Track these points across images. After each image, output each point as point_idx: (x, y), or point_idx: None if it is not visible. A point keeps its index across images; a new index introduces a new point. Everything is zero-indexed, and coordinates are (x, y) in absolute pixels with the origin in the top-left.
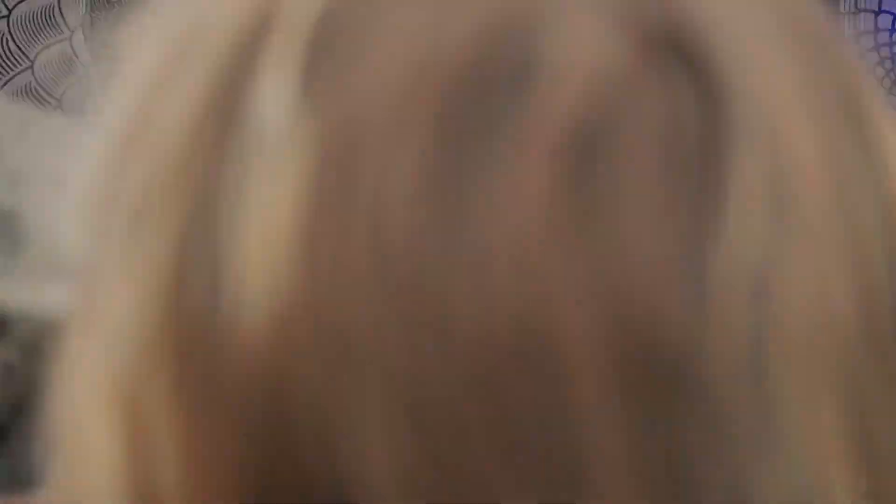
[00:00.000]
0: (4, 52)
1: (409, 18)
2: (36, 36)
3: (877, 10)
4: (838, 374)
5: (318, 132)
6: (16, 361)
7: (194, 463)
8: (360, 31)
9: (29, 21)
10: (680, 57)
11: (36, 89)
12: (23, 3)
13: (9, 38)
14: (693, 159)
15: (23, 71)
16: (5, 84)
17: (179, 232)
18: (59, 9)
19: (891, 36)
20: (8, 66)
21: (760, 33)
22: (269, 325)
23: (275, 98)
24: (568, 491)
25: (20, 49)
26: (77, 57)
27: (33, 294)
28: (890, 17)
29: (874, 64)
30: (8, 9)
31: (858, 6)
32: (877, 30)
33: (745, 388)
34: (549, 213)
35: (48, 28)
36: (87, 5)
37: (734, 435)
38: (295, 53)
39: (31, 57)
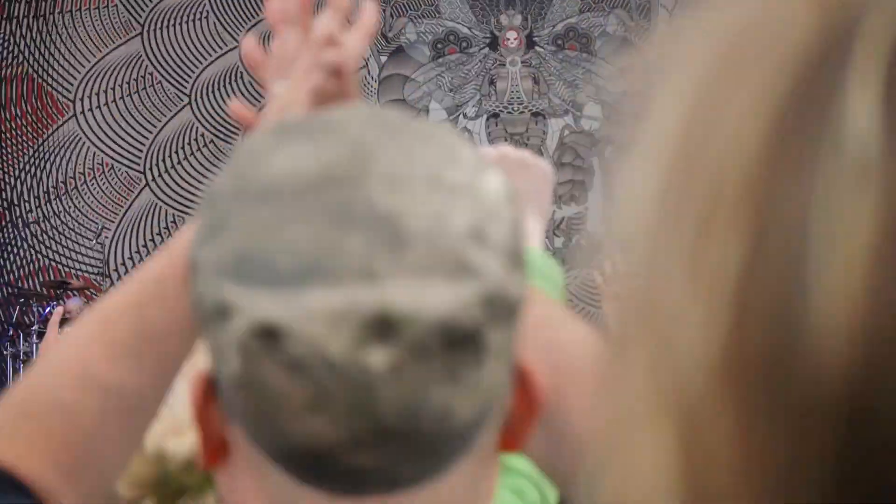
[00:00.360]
0: None
1: None
2: None
3: None
4: None
5: None
6: (404, 364)
7: (750, 469)
8: None
9: None
10: None
11: None
12: None
13: None
14: None
15: None
16: None
17: (748, 247)
18: None
19: None
20: None
21: None
22: (855, 348)
23: (865, 116)
24: None
25: None
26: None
27: (419, 295)
28: None
29: None
30: None
31: None
32: None
33: None
34: None
35: None
36: None
37: None
38: (879, 71)
39: None
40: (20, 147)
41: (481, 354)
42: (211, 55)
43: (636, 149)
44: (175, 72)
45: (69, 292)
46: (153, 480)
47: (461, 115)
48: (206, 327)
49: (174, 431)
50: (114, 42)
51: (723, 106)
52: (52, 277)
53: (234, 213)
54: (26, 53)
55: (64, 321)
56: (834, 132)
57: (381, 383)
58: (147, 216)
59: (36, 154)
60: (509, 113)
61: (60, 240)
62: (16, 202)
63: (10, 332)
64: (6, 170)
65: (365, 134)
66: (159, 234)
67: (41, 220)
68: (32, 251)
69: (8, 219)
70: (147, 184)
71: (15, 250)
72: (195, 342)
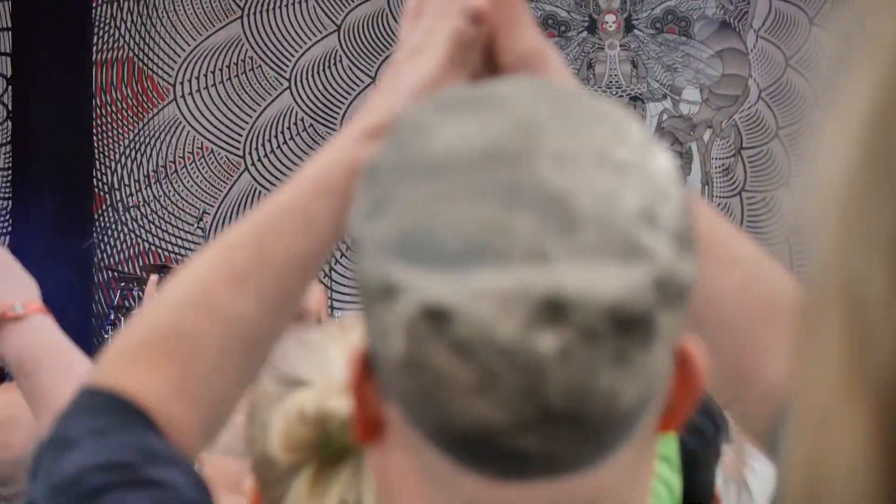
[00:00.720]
0: None
1: None
2: None
3: None
4: None
5: None
6: (573, 348)
7: None
8: None
9: None
10: None
11: None
12: None
13: None
14: None
15: None
16: None
17: None
18: None
19: None
20: None
21: None
22: None
23: None
24: None
25: None
26: None
27: (590, 278)
28: None
29: None
30: None
31: None
32: None
33: None
34: None
35: None
36: None
37: None
38: None
39: None
40: (121, 131)
41: (650, 339)
42: (311, 39)
43: (829, 128)
44: (275, 56)
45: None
46: (314, 443)
47: None
48: (370, 306)
49: (335, 392)
50: (214, 26)
51: None
52: (152, 261)
53: (400, 190)
54: (127, 37)
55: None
56: None
57: (550, 367)
58: (246, 200)
59: (136, 138)
60: (608, 97)
61: (160, 224)
62: (116, 186)
63: (112, 316)
64: (107, 153)
65: (532, 110)
66: None
67: (141, 203)
68: (133, 235)
69: (109, 202)
70: (246, 168)
71: (116, 234)
72: (313, 279)
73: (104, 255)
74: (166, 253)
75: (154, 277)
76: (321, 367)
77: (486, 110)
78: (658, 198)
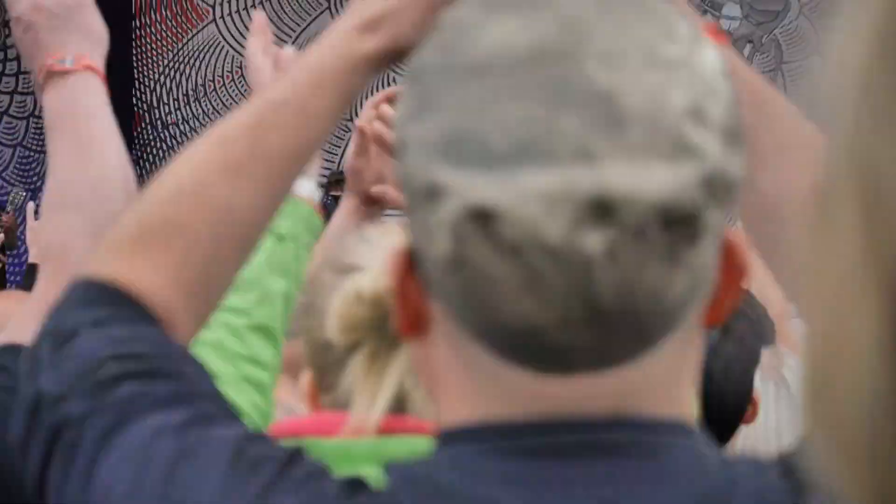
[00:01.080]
0: None
1: None
2: None
3: None
4: None
5: None
6: (621, 247)
7: None
8: None
9: None
10: None
11: None
12: None
13: None
14: None
15: None
16: None
17: None
18: None
19: None
20: None
21: None
22: None
23: None
24: None
25: None
26: None
27: (637, 177)
28: None
29: None
30: None
31: None
32: None
33: None
34: None
35: None
36: None
37: None
38: None
39: None
40: (160, 51)
41: (698, 235)
42: None
43: (847, 11)
44: None
45: None
46: (371, 323)
47: None
48: (415, 207)
49: None
50: None
51: None
52: None
53: (444, 90)
54: None
55: None
56: None
57: (598, 266)
58: None
59: (176, 58)
60: None
61: None
62: (155, 105)
63: None
64: (146, 73)
65: (577, 8)
66: None
67: (180, 122)
68: (172, 152)
69: (148, 120)
70: None
71: (154, 151)
72: (308, 165)
73: (143, 171)
74: None
75: None
76: (378, 254)
77: (532, 9)
78: (706, 94)
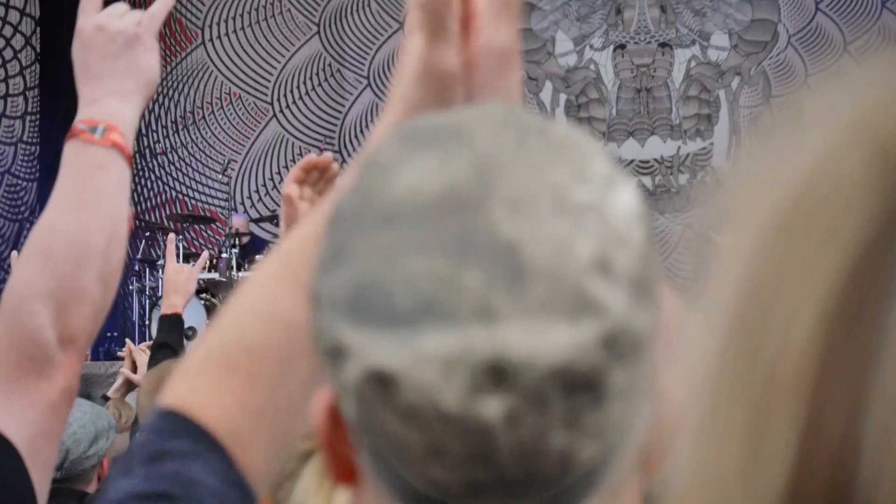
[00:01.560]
0: None
1: None
2: None
3: None
4: None
5: None
6: (520, 412)
7: None
8: None
9: None
10: None
11: None
12: None
13: None
14: None
15: None
16: None
17: (801, 427)
18: None
19: None
20: None
21: None
22: None
23: None
24: None
25: None
26: None
27: (536, 339)
28: None
29: None
30: None
31: None
32: None
33: None
34: None
35: None
36: None
37: None
38: None
39: None
40: None
41: (602, 397)
42: None
43: (700, 307)
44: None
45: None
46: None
47: (587, 47)
48: (326, 364)
49: None
50: None
51: (784, 269)
52: (178, 210)
53: (356, 239)
54: None
55: (189, 256)
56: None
57: (498, 433)
58: (274, 149)
59: (164, 82)
60: (636, 44)
61: (187, 171)
62: (143, 132)
63: (136, 267)
64: None
65: (493, 146)
66: (286, 166)
67: (168, 150)
68: (160, 183)
69: (136, 149)
70: (275, 115)
71: (142, 182)
72: None
73: (130, 203)
74: (193, 201)
75: (171, 236)
76: None
77: (449, 147)
78: (615, 243)
